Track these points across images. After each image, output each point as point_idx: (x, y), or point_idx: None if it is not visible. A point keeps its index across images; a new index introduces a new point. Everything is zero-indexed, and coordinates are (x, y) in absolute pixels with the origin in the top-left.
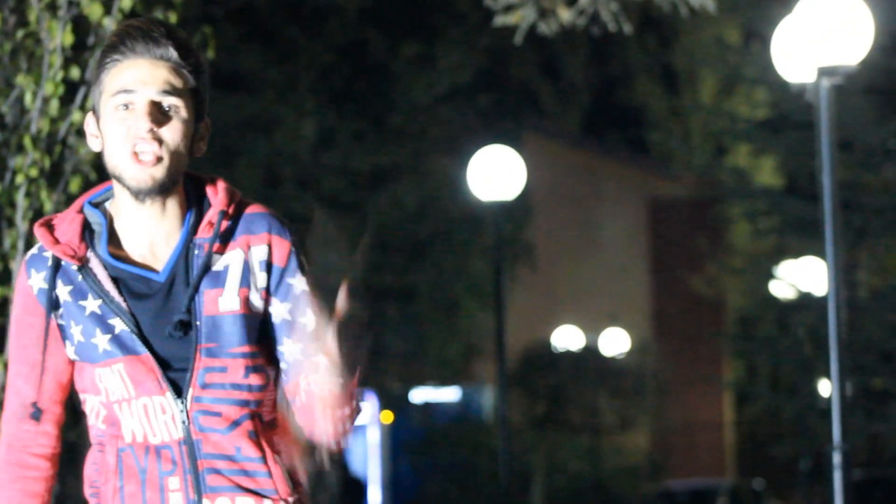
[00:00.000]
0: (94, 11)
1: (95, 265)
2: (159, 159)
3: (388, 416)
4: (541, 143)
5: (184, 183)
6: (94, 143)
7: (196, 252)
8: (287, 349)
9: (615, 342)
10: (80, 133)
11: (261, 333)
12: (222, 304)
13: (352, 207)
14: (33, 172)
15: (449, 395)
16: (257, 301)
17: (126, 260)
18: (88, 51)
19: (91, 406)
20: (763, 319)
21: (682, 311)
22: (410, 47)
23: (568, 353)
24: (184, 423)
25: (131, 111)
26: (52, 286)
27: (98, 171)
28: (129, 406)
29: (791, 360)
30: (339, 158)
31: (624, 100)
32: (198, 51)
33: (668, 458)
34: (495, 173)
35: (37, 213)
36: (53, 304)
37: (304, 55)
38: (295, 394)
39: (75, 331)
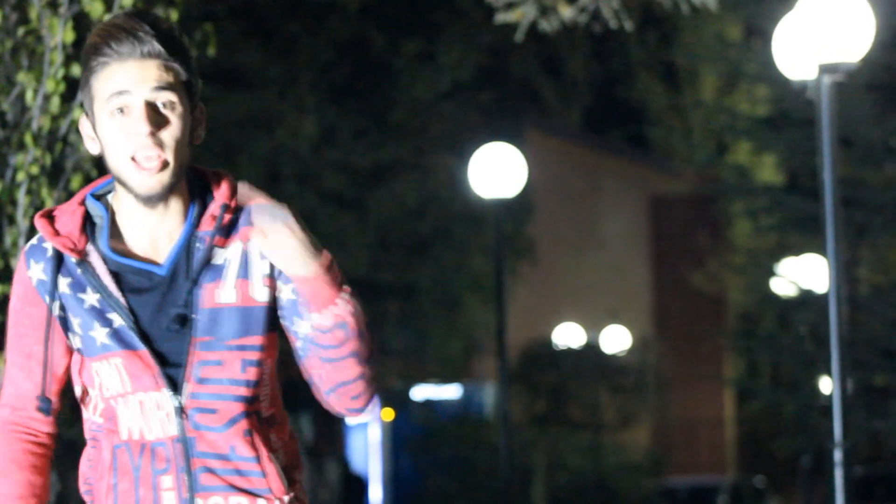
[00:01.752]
0: (95, 9)
1: (95, 259)
2: (165, 164)
3: (389, 414)
4: (542, 140)
5: (187, 176)
6: (91, 147)
7: (198, 245)
8: (299, 327)
9: (616, 339)
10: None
11: (267, 324)
12: (220, 296)
13: (353, 204)
14: (34, 170)
15: (450, 392)
16: (259, 291)
17: (127, 254)
18: None
19: (90, 399)
20: (764, 316)
21: (682, 308)
22: (411, 44)
23: (569, 350)
24: (179, 420)
25: (127, 115)
26: (53, 278)
27: (99, 169)
28: (126, 401)
29: (792, 356)
30: (339, 155)
31: (625, 97)
32: (182, 38)
33: (668, 454)
34: (496, 170)
35: (37, 211)
36: (52, 296)
37: (305, 52)
38: (313, 368)
39: (75, 323)
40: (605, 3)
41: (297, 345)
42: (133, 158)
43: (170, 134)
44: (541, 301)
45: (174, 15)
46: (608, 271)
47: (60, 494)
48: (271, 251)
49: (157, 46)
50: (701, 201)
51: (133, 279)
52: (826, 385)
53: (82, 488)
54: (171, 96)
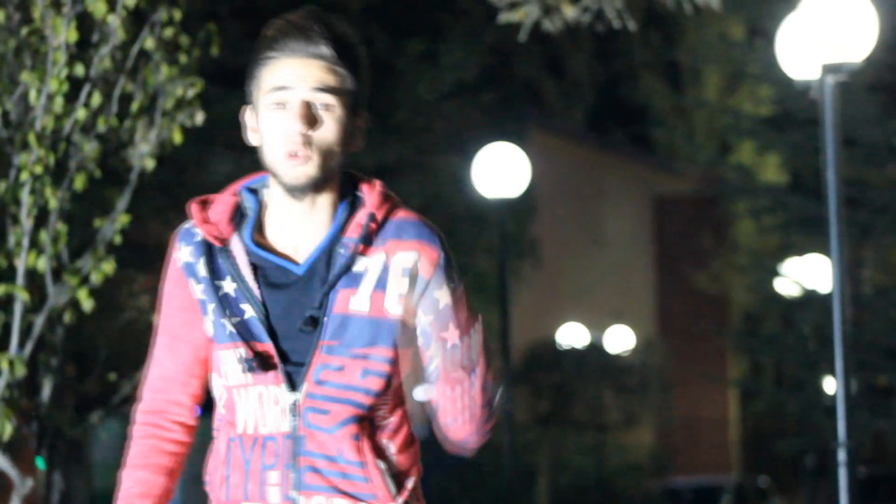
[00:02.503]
0: (98, 9)
1: (237, 249)
2: (309, 158)
3: None
4: (545, 141)
5: (341, 181)
6: (253, 138)
7: (341, 251)
8: (429, 355)
9: (620, 339)
10: (85, 130)
11: (391, 340)
12: (353, 303)
13: None
14: (38, 169)
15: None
16: (393, 306)
17: (268, 249)
18: (93, 48)
19: (217, 391)
20: (768, 316)
21: (686, 309)
22: (415, 44)
23: (572, 351)
24: (293, 417)
25: (286, 110)
26: (200, 261)
27: (103, 169)
28: (246, 392)
29: (795, 356)
30: None
31: (628, 97)
32: (357, 46)
33: (672, 455)
34: (500, 170)
35: (41, 211)
36: (197, 279)
37: None
38: (441, 390)
39: (210, 308)
40: (608, 3)
41: (429, 367)
42: (287, 155)
43: (322, 134)
44: (544, 301)
45: (177, 14)
46: (612, 271)
47: (64, 493)
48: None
49: (326, 49)
50: (704, 201)
51: (271, 273)
52: (830, 385)
53: (205, 477)
54: (330, 99)
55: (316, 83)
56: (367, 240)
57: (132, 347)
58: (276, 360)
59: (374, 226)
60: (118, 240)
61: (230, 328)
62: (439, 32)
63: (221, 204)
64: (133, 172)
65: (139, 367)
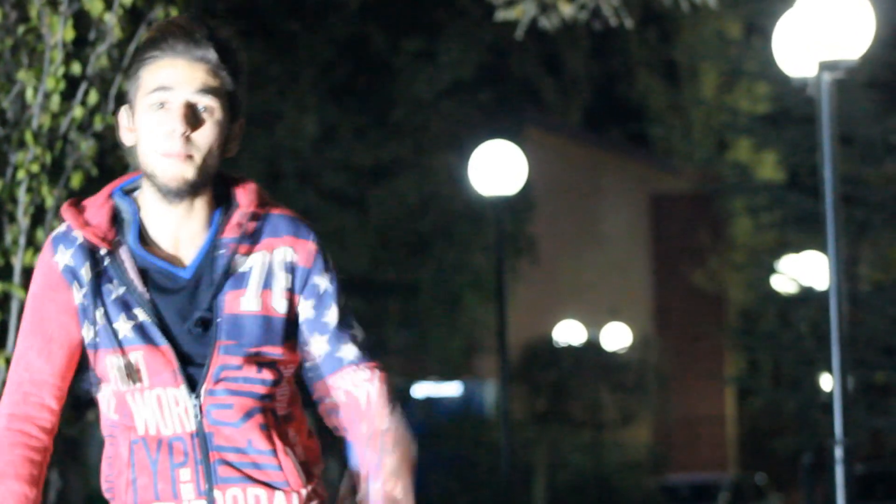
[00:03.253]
0: (95, 7)
1: (124, 252)
2: (189, 157)
3: None
4: (542, 138)
5: (213, 183)
6: (127, 138)
7: (221, 251)
8: (314, 347)
9: (617, 337)
10: (82, 129)
11: (285, 335)
12: (244, 304)
13: (353, 203)
14: (34, 168)
15: (451, 389)
16: (280, 303)
17: (154, 253)
18: (90, 46)
19: (102, 396)
20: (765, 314)
21: (683, 306)
22: (412, 42)
23: (569, 348)
24: (196, 416)
25: (166, 110)
26: (82, 265)
27: (100, 168)
28: (143, 395)
29: (793, 354)
30: (340, 153)
31: (625, 94)
32: (238, 51)
33: (669, 452)
34: (497, 168)
35: (38, 209)
36: (80, 283)
37: (305, 50)
38: (326, 392)
39: (97, 313)
40: (605, 1)
41: (306, 364)
42: (164, 155)
43: (202, 136)
44: (541, 299)
45: (174, 12)
46: (609, 269)
47: (61, 492)
48: None
49: (211, 52)
50: (701, 199)
51: (158, 278)
52: (827, 382)
53: (104, 485)
54: (211, 102)
55: (199, 85)
56: (246, 239)
57: None
58: (175, 361)
59: (251, 225)
60: None
61: (124, 332)
62: (436, 31)
63: (97, 207)
64: (130, 171)
65: None
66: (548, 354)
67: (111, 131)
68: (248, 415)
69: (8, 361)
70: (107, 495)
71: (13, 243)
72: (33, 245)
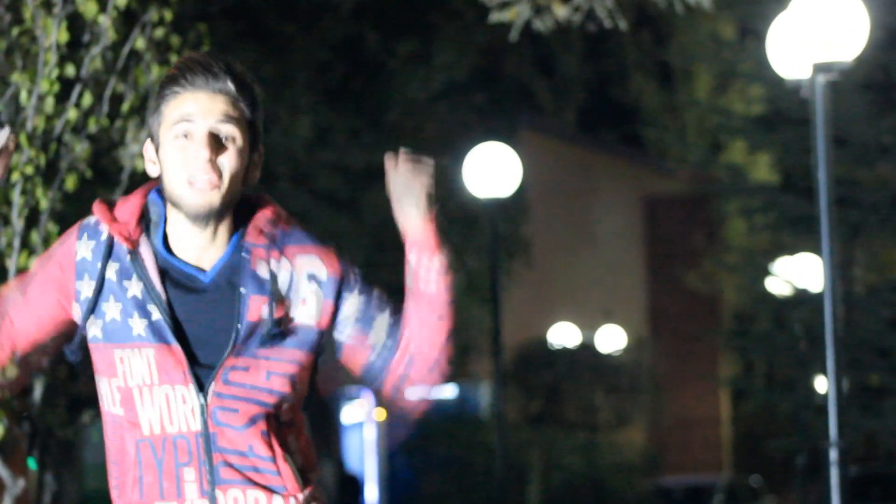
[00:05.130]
0: (89, 9)
1: (145, 251)
2: (216, 186)
3: (383, 414)
4: (536, 140)
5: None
6: (151, 170)
7: (243, 255)
8: (375, 336)
9: (611, 339)
10: (76, 131)
11: (302, 343)
12: (263, 310)
13: (347, 204)
14: (29, 170)
15: (445, 391)
16: (299, 311)
17: (176, 255)
18: (84, 48)
19: (105, 391)
20: (759, 316)
21: (678, 308)
22: (406, 44)
23: (564, 350)
24: (203, 416)
25: (190, 140)
26: (99, 262)
27: (94, 170)
28: (151, 392)
29: (787, 356)
30: (334, 155)
31: (619, 96)
32: (254, 84)
33: (664, 454)
34: (491, 170)
35: (32, 212)
36: (90, 277)
37: (299, 52)
38: (399, 365)
39: (112, 308)
40: (599, 3)
41: (371, 358)
42: (190, 182)
43: (227, 162)
44: (536, 301)
45: (168, 15)
46: (603, 271)
47: (56, 494)
48: (410, 188)
49: (229, 84)
50: (695, 201)
51: (178, 278)
52: (821, 384)
53: (111, 482)
54: (233, 131)
55: (220, 115)
56: (268, 245)
57: None
58: (185, 362)
59: (273, 232)
60: None
61: (138, 330)
62: (430, 33)
63: (128, 205)
64: (124, 173)
65: None
66: (542, 356)
67: (105, 133)
68: (252, 421)
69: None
70: (113, 493)
71: (7, 246)
72: (27, 247)
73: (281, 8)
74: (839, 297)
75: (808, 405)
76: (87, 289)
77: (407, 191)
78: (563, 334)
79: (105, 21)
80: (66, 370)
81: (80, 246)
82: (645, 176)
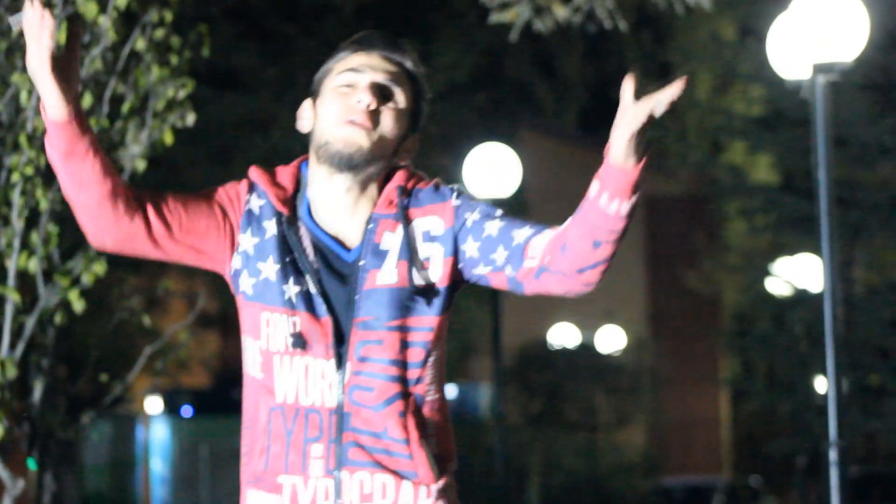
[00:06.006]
0: (89, 9)
1: (301, 222)
2: (369, 130)
3: None
4: (537, 141)
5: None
6: (303, 126)
7: (371, 226)
8: (517, 236)
9: (611, 339)
10: None
11: (429, 305)
12: (380, 277)
13: None
14: (29, 171)
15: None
16: (421, 274)
17: (323, 229)
18: (84, 49)
19: (248, 352)
20: (759, 316)
21: (678, 309)
22: (407, 45)
23: (564, 351)
24: (339, 394)
25: (354, 89)
26: (266, 218)
27: None
28: (291, 360)
29: (787, 356)
30: None
31: (619, 97)
32: (424, 77)
33: (664, 455)
34: (491, 170)
35: (32, 212)
36: (253, 231)
37: (300, 53)
38: (556, 241)
39: (268, 269)
40: (599, 4)
41: (527, 257)
42: (345, 122)
43: (385, 116)
44: (536, 301)
45: (169, 15)
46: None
47: (56, 495)
48: (637, 114)
49: (407, 60)
50: (696, 201)
51: (326, 254)
52: (821, 385)
53: (242, 448)
54: (398, 93)
55: (389, 74)
56: (394, 215)
57: (124, 348)
58: (331, 336)
59: (402, 198)
60: None
61: (290, 295)
62: (431, 33)
63: (286, 173)
64: (124, 174)
65: (130, 368)
66: (542, 357)
67: (105, 134)
68: (389, 400)
69: (1, 365)
70: (242, 460)
71: (7, 246)
72: (27, 248)
73: (282, 9)
74: (839, 298)
75: (808, 406)
76: (248, 242)
77: (634, 117)
78: (563, 335)
79: (105, 22)
80: (65, 370)
81: (252, 201)
82: (645, 176)
